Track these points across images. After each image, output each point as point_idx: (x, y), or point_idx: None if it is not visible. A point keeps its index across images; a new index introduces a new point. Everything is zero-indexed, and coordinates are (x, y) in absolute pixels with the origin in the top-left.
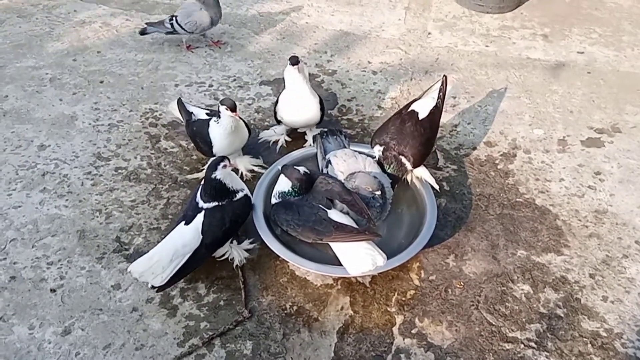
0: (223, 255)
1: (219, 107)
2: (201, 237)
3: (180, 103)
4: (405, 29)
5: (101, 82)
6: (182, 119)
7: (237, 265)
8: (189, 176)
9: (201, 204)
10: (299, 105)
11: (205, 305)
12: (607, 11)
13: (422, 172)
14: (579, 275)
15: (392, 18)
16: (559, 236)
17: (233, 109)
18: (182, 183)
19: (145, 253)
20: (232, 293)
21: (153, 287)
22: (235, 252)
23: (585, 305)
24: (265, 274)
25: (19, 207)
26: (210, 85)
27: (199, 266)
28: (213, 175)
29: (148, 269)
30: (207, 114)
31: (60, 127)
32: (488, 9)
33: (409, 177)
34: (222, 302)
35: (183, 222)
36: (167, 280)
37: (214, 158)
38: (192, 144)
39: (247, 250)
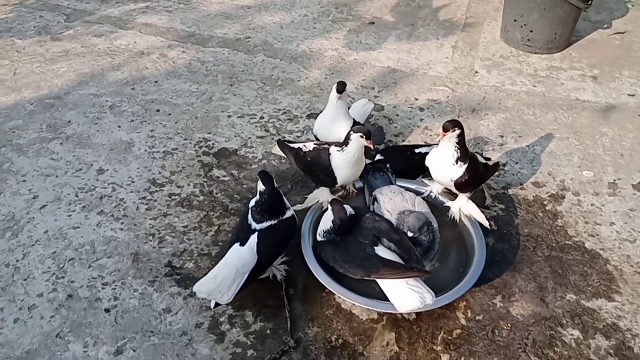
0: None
1: (348, 135)
2: (257, 256)
3: (280, 143)
4: (452, 67)
5: (157, 110)
6: (287, 157)
7: (283, 295)
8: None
9: (254, 225)
10: (333, 124)
11: (252, 333)
12: None
13: (471, 209)
14: (632, 322)
15: (440, 56)
16: (610, 281)
17: (368, 136)
18: (232, 211)
19: (197, 278)
20: (279, 322)
21: (216, 305)
22: (275, 269)
23: (638, 354)
24: (312, 305)
25: (78, 227)
26: (262, 117)
27: (254, 281)
28: (276, 186)
29: (215, 288)
30: (315, 144)
31: (118, 153)
32: (536, 49)
33: (457, 215)
34: (268, 331)
35: (238, 244)
36: (232, 298)
37: (263, 172)
38: (302, 173)
39: (282, 264)
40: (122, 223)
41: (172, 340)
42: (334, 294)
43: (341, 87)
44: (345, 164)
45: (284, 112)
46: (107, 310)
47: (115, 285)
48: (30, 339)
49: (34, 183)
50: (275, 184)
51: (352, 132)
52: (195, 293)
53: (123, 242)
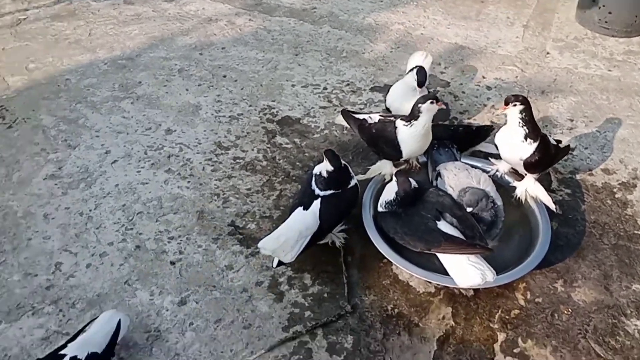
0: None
1: (416, 108)
2: (319, 222)
3: (345, 113)
4: (522, 46)
5: (224, 76)
6: (350, 127)
7: (341, 261)
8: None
9: (317, 191)
10: (408, 96)
11: (310, 295)
12: None
13: (537, 191)
14: None
15: (510, 35)
16: None
17: (437, 99)
18: (294, 177)
19: (258, 239)
20: (336, 287)
21: (279, 264)
22: (334, 236)
23: None
24: (369, 274)
25: (146, 183)
26: (325, 88)
27: (313, 245)
28: (343, 164)
29: (278, 247)
30: (381, 116)
31: (185, 115)
32: (614, 32)
33: (522, 196)
34: (325, 295)
35: (301, 208)
36: (295, 257)
37: (329, 151)
38: (366, 145)
39: (341, 232)
40: (189, 182)
41: (232, 296)
42: (392, 265)
43: (422, 80)
44: (413, 137)
45: (348, 84)
46: (172, 263)
47: (181, 240)
48: (101, 284)
49: (106, 139)
50: (342, 162)
51: (420, 104)
52: (259, 250)
53: (189, 200)
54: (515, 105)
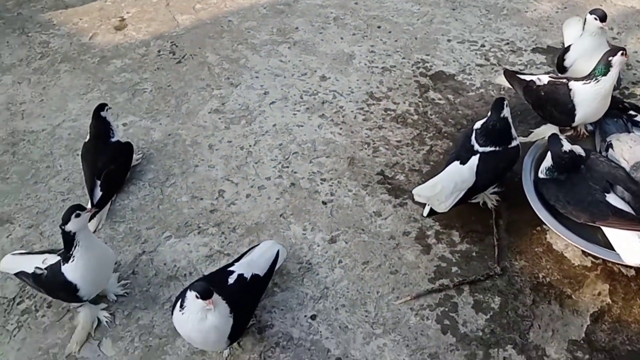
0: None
1: (606, 60)
2: (475, 177)
3: (508, 73)
4: None
5: (378, 27)
6: (513, 88)
7: (492, 223)
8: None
9: (476, 147)
10: (594, 55)
11: (457, 252)
12: None
13: None
14: None
15: None
16: None
17: (625, 52)
18: (445, 134)
19: (407, 190)
20: (485, 248)
21: (430, 213)
22: (487, 197)
23: None
24: (520, 240)
25: (301, 126)
26: (482, 45)
27: (466, 202)
28: (502, 115)
29: (433, 196)
30: (551, 77)
31: (339, 63)
32: None
33: None
34: (474, 254)
35: (458, 162)
36: (449, 208)
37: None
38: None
39: (494, 193)
40: (341, 128)
41: (380, 241)
42: (545, 233)
43: (602, 14)
44: (595, 97)
45: (507, 43)
46: (324, 203)
47: (332, 183)
48: (259, 214)
49: (265, 80)
50: (505, 114)
51: (611, 56)
52: (407, 201)
53: (341, 146)
54: None
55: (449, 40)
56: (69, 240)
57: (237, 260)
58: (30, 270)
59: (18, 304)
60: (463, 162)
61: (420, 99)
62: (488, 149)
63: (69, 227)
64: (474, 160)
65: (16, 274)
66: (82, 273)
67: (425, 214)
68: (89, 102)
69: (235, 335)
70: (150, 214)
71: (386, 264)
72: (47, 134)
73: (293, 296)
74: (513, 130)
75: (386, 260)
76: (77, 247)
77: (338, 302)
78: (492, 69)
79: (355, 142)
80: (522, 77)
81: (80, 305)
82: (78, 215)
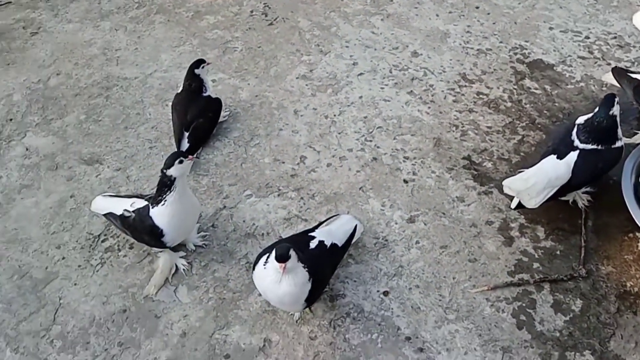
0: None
1: None
2: (570, 175)
3: (618, 71)
4: None
5: (477, 7)
6: (622, 87)
7: (581, 223)
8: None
9: (577, 142)
10: None
11: (541, 248)
12: None
13: None
14: None
15: None
16: None
17: None
18: (539, 125)
19: (494, 179)
20: (570, 248)
21: (518, 206)
22: (578, 196)
23: None
24: (609, 244)
25: (388, 101)
26: (587, 37)
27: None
28: (611, 112)
29: (525, 189)
30: None
31: (433, 40)
32: None
33: None
34: (558, 252)
35: (555, 156)
36: (538, 204)
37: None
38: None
39: (585, 193)
40: (429, 107)
41: (461, 227)
42: (638, 240)
43: None
44: None
45: (615, 37)
46: (405, 181)
47: (415, 162)
48: (338, 184)
49: (355, 51)
50: (614, 112)
51: None
52: (492, 190)
53: (427, 125)
54: None
55: (550, 28)
56: (167, 184)
57: (316, 227)
58: (118, 212)
59: (102, 241)
60: (560, 157)
61: (515, 86)
62: (589, 146)
63: (171, 171)
64: (573, 156)
65: (105, 215)
66: (169, 219)
67: (513, 206)
68: (180, 54)
69: (312, 299)
70: (233, 171)
71: (465, 251)
72: (140, 81)
73: (367, 270)
74: (619, 130)
75: (465, 247)
76: (172, 192)
77: (412, 282)
78: (595, 62)
79: (442, 123)
80: (634, 75)
81: (161, 251)
82: (181, 162)
